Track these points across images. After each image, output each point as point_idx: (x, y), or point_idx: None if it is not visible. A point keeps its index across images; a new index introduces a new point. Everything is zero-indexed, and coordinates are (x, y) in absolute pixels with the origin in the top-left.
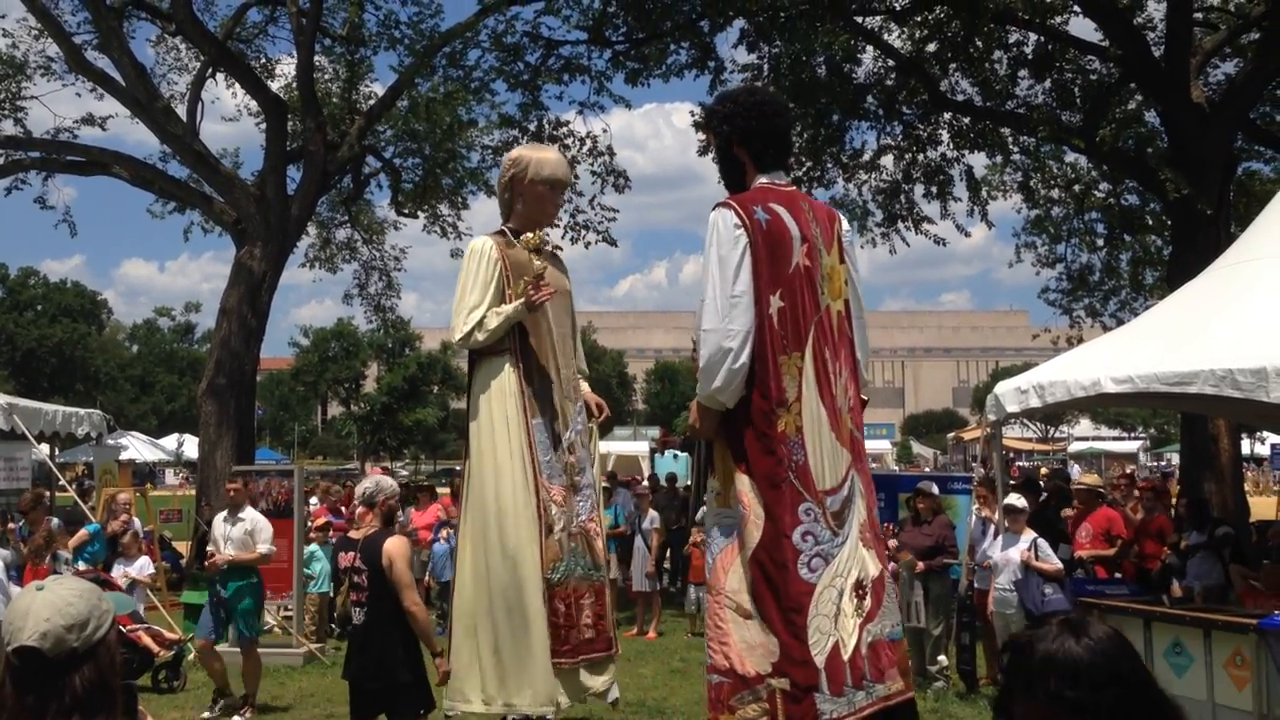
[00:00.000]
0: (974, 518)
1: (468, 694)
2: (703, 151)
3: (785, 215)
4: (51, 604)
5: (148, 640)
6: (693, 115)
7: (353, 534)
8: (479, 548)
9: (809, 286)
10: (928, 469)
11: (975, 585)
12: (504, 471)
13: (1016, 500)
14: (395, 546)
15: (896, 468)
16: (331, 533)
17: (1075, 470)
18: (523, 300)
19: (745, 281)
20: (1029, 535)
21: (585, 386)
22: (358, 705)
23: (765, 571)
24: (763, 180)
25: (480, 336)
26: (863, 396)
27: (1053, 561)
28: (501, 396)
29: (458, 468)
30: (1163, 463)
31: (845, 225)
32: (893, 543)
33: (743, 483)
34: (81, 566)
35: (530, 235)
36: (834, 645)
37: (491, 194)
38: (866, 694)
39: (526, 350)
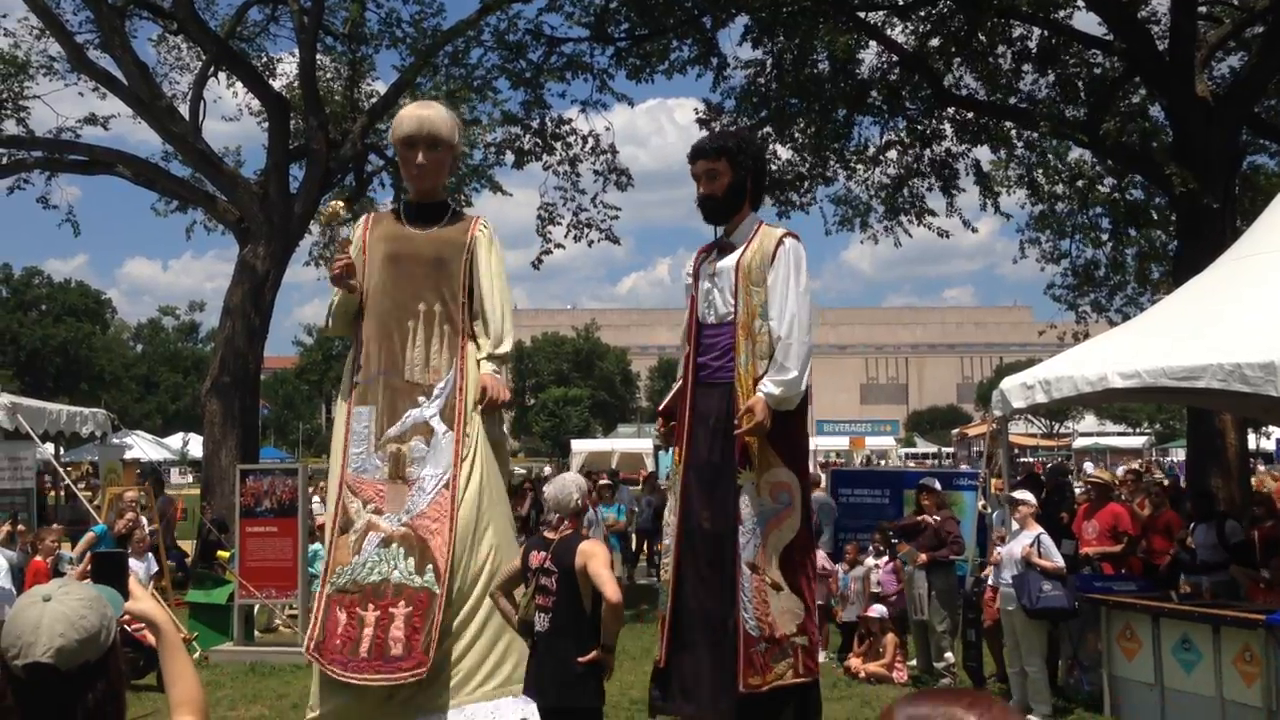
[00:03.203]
0: (994, 511)
1: None
2: None
3: None
4: (65, 617)
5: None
6: (696, 112)
7: (547, 534)
8: None
9: None
10: (933, 462)
11: (987, 581)
12: (331, 465)
13: (1023, 495)
14: (591, 547)
15: (909, 463)
16: None
17: (1089, 467)
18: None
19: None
20: (1033, 530)
21: (488, 368)
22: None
23: (801, 549)
24: (758, 216)
25: (329, 325)
26: None
27: (1054, 559)
28: (345, 386)
29: None
30: (1168, 458)
31: None
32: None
33: (788, 476)
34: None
35: (331, 205)
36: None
37: (495, 191)
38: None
39: (358, 334)
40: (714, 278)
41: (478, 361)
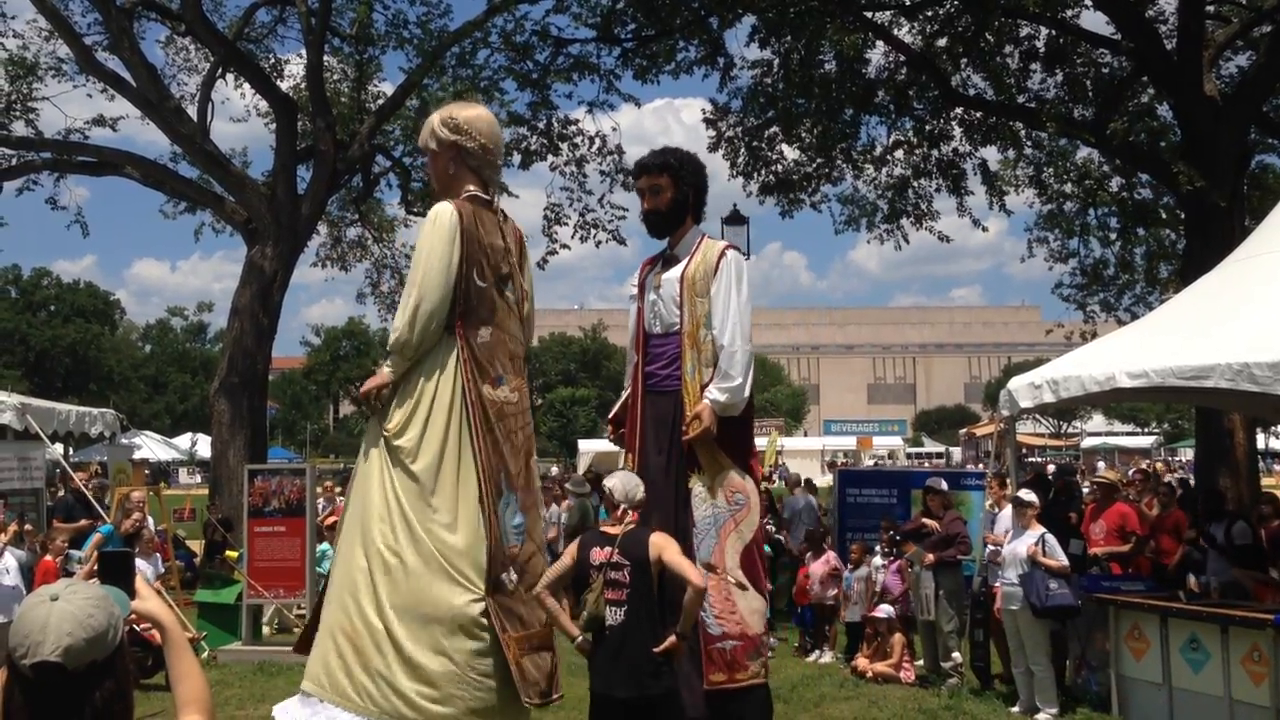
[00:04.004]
0: (994, 511)
1: None
2: (712, 148)
3: None
4: (72, 616)
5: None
6: (704, 112)
7: (607, 529)
8: None
9: None
10: (955, 463)
11: (989, 581)
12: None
13: (1026, 495)
14: (662, 539)
15: (911, 463)
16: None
17: (1101, 466)
18: None
19: None
20: (1037, 530)
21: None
22: (602, 715)
23: (757, 549)
24: (702, 230)
25: None
26: None
27: (1059, 558)
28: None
29: None
30: (1176, 458)
31: None
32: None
33: (740, 476)
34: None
35: None
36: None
37: (502, 192)
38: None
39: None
40: (659, 289)
41: None
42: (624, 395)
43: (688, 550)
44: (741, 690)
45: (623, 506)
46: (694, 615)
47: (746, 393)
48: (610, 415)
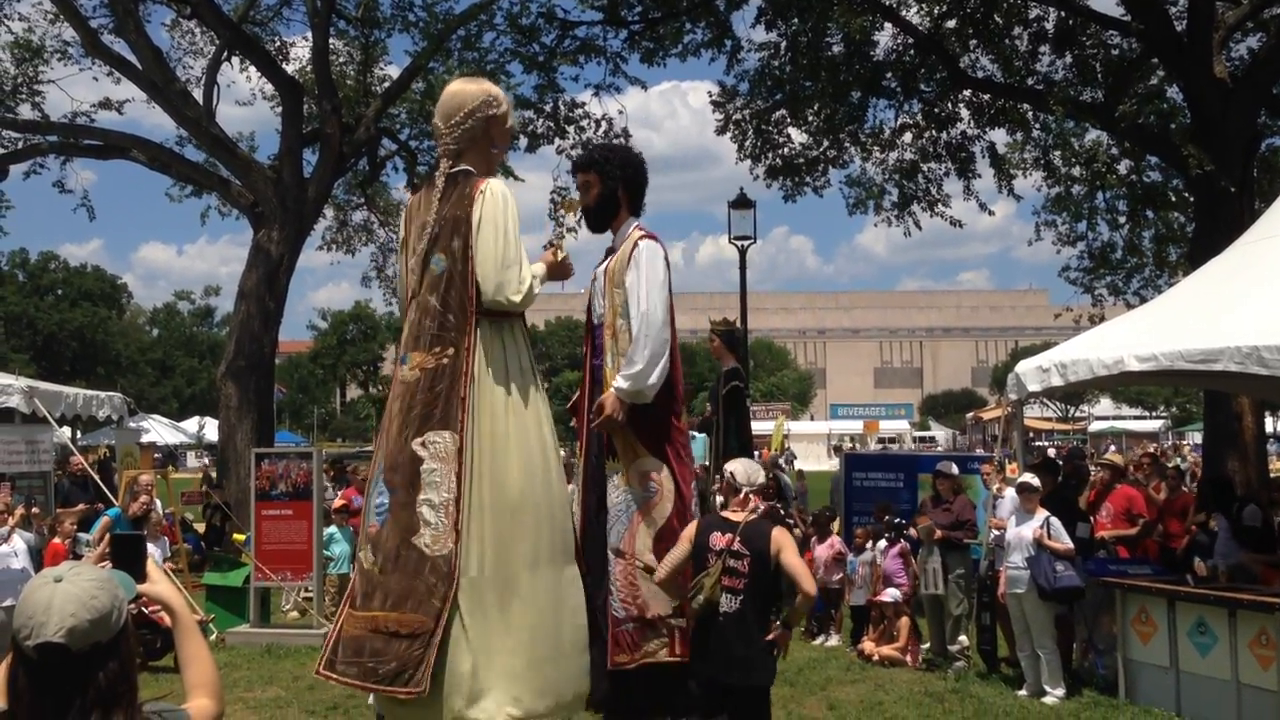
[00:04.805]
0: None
1: None
2: (720, 131)
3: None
4: (76, 597)
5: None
6: (710, 95)
7: (729, 515)
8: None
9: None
10: (939, 448)
11: (995, 565)
12: (548, 450)
13: (1030, 479)
14: (783, 535)
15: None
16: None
17: (1111, 449)
18: (544, 265)
19: (670, 300)
20: (1042, 514)
21: None
22: (709, 698)
23: (673, 535)
24: (635, 221)
25: (530, 299)
26: None
27: (1064, 541)
28: (529, 367)
29: None
30: (1185, 441)
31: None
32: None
33: (654, 465)
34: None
35: (571, 198)
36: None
37: (508, 175)
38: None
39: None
40: (594, 282)
41: None
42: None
43: (600, 534)
44: (638, 669)
45: (745, 491)
46: (803, 615)
47: (652, 379)
48: (569, 404)
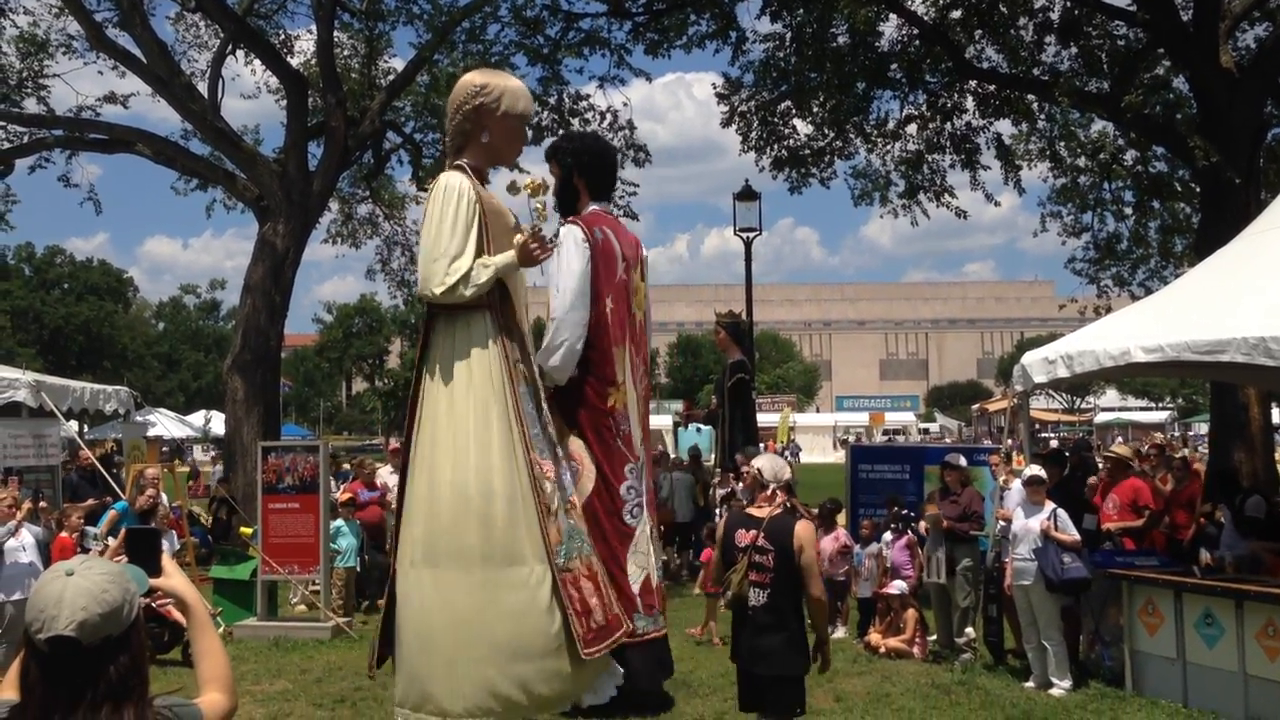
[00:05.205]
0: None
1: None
2: (725, 123)
3: (612, 236)
4: (87, 591)
5: (177, 614)
6: (715, 87)
7: (753, 511)
8: (444, 538)
9: (626, 295)
10: (949, 440)
11: (1001, 557)
12: (490, 447)
13: (1037, 471)
14: (806, 531)
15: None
16: (356, 512)
17: (1119, 440)
18: (514, 253)
19: (587, 284)
20: (1049, 506)
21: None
22: (749, 691)
23: (596, 515)
24: (594, 207)
25: (467, 292)
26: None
27: (1071, 532)
28: (483, 360)
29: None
30: (1191, 432)
31: (645, 251)
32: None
33: (576, 445)
34: (112, 543)
35: (533, 179)
36: (646, 576)
37: (512, 168)
38: (656, 622)
39: (506, 309)
40: None
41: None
42: None
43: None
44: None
45: (772, 487)
46: (823, 623)
47: (557, 360)
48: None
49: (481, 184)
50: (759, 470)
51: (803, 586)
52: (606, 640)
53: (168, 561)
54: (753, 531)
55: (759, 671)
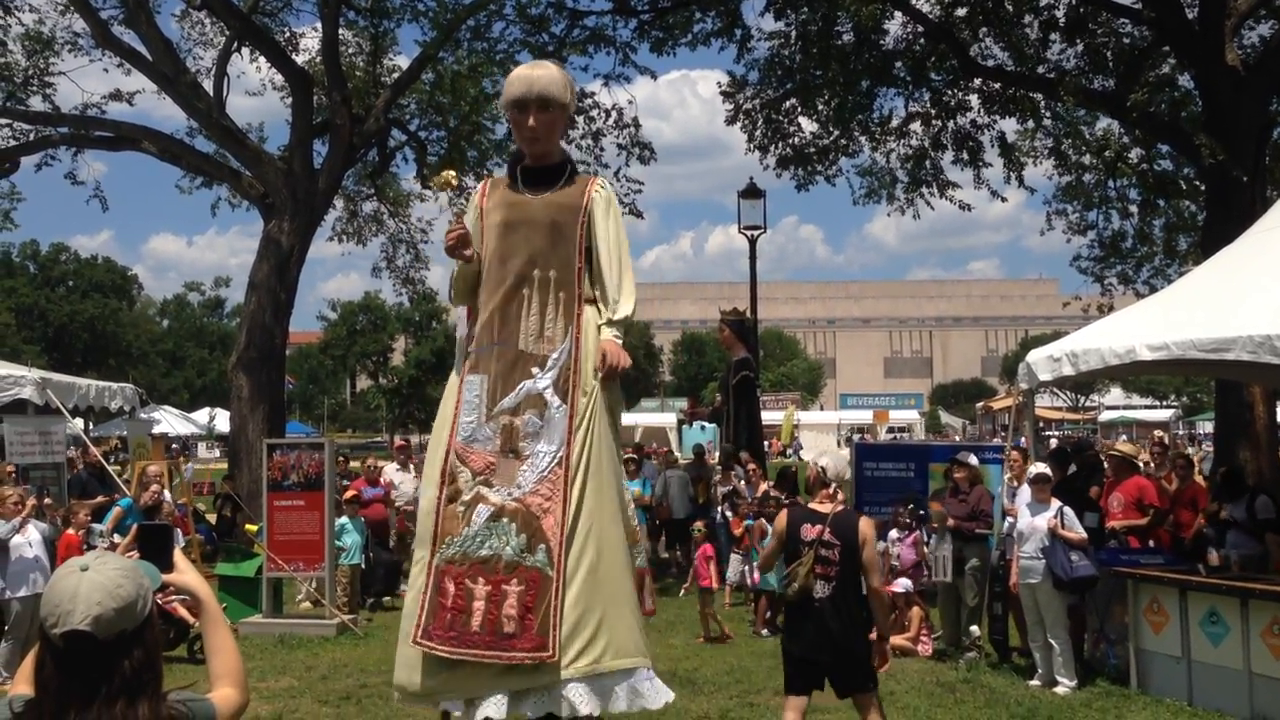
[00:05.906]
0: (1005, 486)
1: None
2: (730, 121)
3: None
4: (102, 586)
5: (183, 611)
6: (720, 85)
7: (816, 506)
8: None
9: None
10: (957, 438)
11: (1006, 555)
12: (439, 436)
13: (1043, 469)
14: (869, 527)
15: (926, 437)
16: (360, 509)
17: (1124, 438)
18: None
19: None
20: (1055, 504)
21: (608, 334)
22: (802, 676)
23: None
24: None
25: (452, 297)
26: None
27: (1078, 530)
28: (460, 353)
29: None
30: (1196, 430)
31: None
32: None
33: None
34: (118, 540)
35: (443, 174)
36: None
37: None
38: None
39: (472, 304)
40: None
41: (598, 327)
42: None
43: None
44: None
45: (834, 485)
46: (885, 617)
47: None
48: None
49: (533, 180)
50: (823, 468)
51: (865, 578)
52: (462, 646)
53: (180, 557)
54: (818, 526)
55: (824, 659)
